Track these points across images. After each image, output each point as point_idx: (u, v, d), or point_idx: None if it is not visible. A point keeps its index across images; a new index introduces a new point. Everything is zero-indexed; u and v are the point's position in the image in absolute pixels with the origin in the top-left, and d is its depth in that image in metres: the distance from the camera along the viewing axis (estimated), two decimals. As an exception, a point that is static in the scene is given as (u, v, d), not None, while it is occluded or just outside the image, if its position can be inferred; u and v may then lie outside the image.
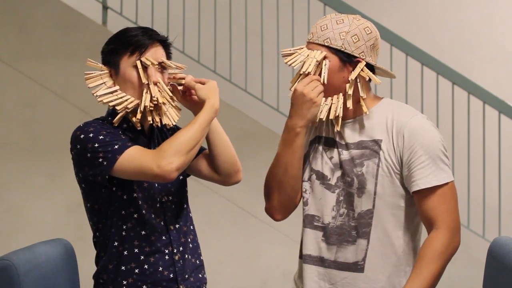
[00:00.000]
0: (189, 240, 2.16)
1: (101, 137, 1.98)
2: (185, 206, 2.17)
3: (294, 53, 2.02)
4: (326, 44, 1.98)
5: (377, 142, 1.98)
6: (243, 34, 4.63)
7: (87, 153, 1.98)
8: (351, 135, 2.01)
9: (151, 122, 2.04)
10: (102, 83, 2.09)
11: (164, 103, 2.04)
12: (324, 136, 2.06)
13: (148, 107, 2.01)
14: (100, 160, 1.96)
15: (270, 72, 4.65)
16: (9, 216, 4.31)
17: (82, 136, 2.00)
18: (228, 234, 4.36)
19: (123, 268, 2.04)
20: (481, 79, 4.82)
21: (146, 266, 2.04)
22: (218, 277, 4.20)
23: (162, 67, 2.07)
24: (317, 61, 1.96)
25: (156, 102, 2.01)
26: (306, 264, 2.03)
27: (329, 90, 1.99)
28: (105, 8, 4.70)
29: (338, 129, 2.00)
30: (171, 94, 2.07)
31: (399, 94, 4.48)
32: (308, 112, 1.96)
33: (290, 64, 2.01)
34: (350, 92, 1.98)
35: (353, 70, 1.98)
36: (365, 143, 1.99)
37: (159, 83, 2.03)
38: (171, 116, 2.08)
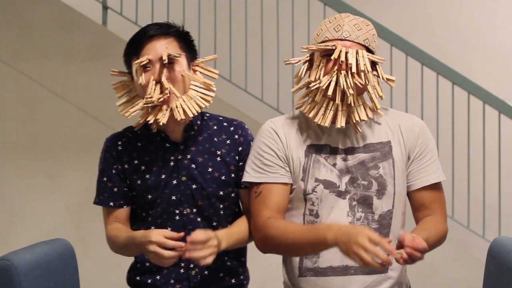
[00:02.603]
0: (221, 256, 2.06)
1: (99, 176, 2.09)
2: (216, 224, 2.07)
3: (297, 61, 2.02)
4: (366, 44, 1.96)
5: (386, 144, 2.00)
6: (243, 34, 4.63)
7: None
8: (354, 139, 2.00)
9: (151, 121, 1.96)
10: (128, 91, 2.05)
11: (161, 102, 1.95)
12: (318, 144, 2.00)
13: (143, 108, 1.96)
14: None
15: (270, 72, 4.65)
16: (9, 216, 4.31)
17: (99, 158, 2.10)
18: (228, 234, 4.34)
19: (138, 278, 2.09)
20: (481, 79, 4.82)
21: (158, 277, 2.06)
22: (218, 277, 4.19)
23: (168, 61, 1.96)
24: (369, 60, 1.95)
25: (150, 103, 1.94)
26: (327, 277, 1.97)
27: (359, 91, 1.97)
28: (105, 8, 4.70)
29: (360, 131, 1.99)
30: (175, 91, 1.96)
31: (399, 94, 4.48)
32: (349, 257, 1.79)
33: (296, 63, 2.02)
34: (381, 93, 1.98)
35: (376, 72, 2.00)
36: (373, 146, 1.99)
37: (162, 80, 1.95)
38: (189, 108, 1.98)
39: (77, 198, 4.22)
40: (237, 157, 2.10)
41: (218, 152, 2.08)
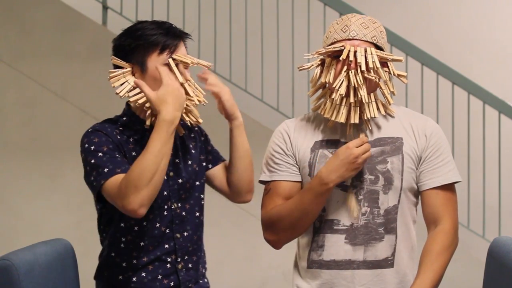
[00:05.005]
0: (200, 248, 2.12)
1: (100, 154, 1.93)
2: (198, 213, 2.11)
3: (310, 66, 2.04)
4: (374, 41, 2.00)
5: (398, 139, 2.02)
6: (243, 34, 4.63)
7: (86, 166, 1.96)
8: (366, 134, 2.02)
9: (190, 122, 2.02)
10: (124, 82, 1.99)
11: (195, 101, 2.01)
12: (328, 139, 2.03)
13: (184, 107, 1.97)
14: (92, 178, 1.93)
15: (270, 72, 4.66)
16: (9, 216, 4.31)
17: (86, 145, 1.96)
18: (228, 234, 4.35)
19: (120, 277, 2.04)
20: (481, 79, 4.82)
21: (144, 274, 2.02)
22: (218, 277, 4.20)
23: (185, 67, 2.01)
24: (379, 57, 1.98)
25: (193, 101, 1.99)
26: (331, 270, 1.99)
27: (371, 89, 2.01)
28: (105, 8, 4.70)
29: (370, 128, 2.02)
30: (203, 92, 2.03)
31: (399, 94, 4.46)
32: (348, 174, 1.91)
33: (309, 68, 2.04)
34: (393, 89, 2.05)
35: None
36: (384, 140, 2.01)
37: (189, 81, 1.99)
38: (195, 114, 2.05)
39: (77, 198, 4.22)
40: (203, 146, 2.19)
41: (190, 146, 2.14)
